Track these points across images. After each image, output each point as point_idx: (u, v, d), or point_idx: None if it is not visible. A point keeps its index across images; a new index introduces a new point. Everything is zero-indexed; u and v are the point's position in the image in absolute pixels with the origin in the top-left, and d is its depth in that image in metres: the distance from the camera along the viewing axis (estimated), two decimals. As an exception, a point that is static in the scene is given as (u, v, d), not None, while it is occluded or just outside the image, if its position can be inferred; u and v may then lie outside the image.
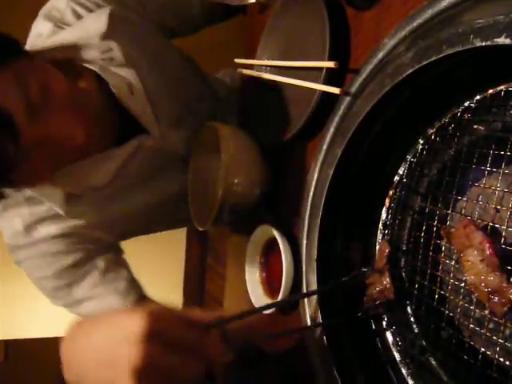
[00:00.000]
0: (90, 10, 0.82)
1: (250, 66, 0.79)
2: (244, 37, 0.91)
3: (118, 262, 0.87)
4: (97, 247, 0.84)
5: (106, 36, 0.78)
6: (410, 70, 0.45)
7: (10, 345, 2.64)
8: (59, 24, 0.81)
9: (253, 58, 0.79)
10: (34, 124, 0.62)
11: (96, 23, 0.79)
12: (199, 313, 0.47)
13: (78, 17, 0.81)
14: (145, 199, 0.86)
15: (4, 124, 0.58)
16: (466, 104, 0.50)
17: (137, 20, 0.84)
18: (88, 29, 0.79)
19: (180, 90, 0.88)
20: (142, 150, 0.80)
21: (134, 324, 0.42)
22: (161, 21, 0.90)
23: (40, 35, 0.80)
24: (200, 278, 2.80)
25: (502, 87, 0.46)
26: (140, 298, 0.86)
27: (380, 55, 0.52)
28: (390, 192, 0.60)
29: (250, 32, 0.89)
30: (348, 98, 0.56)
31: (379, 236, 0.61)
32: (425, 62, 0.44)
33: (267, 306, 0.58)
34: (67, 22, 0.81)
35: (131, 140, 0.79)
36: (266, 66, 0.74)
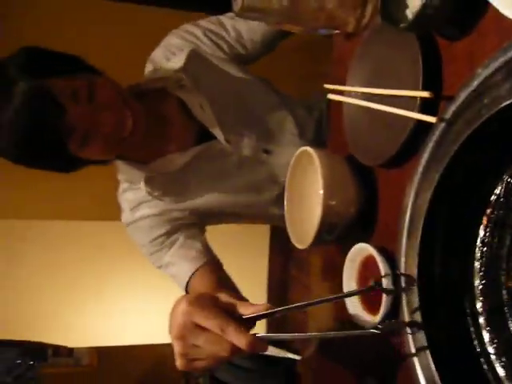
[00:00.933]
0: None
1: (340, 92, 0.83)
2: (331, 64, 0.95)
3: (194, 237, 1.09)
4: (180, 224, 1.09)
5: (180, 70, 1.06)
6: (508, 102, 0.48)
7: (102, 352, 2.78)
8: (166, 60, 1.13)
9: (340, 84, 0.83)
10: (77, 107, 0.87)
11: (177, 62, 1.08)
12: (245, 306, 0.62)
13: (168, 60, 1.12)
14: (219, 190, 1.10)
15: (52, 101, 0.85)
16: None
17: (209, 54, 1.10)
18: (172, 66, 1.09)
19: (244, 104, 1.11)
20: (212, 151, 1.07)
21: (180, 305, 0.62)
22: (250, 52, 1.14)
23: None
24: (284, 288, 2.84)
25: None
26: (206, 263, 1.06)
27: (474, 84, 0.54)
28: (488, 211, 0.62)
29: (337, 60, 0.93)
30: (443, 125, 0.59)
31: (477, 253, 0.63)
32: (522, 95, 0.46)
33: (304, 305, 0.64)
34: (160, 64, 1.13)
35: (203, 143, 1.07)
36: (357, 92, 0.78)
